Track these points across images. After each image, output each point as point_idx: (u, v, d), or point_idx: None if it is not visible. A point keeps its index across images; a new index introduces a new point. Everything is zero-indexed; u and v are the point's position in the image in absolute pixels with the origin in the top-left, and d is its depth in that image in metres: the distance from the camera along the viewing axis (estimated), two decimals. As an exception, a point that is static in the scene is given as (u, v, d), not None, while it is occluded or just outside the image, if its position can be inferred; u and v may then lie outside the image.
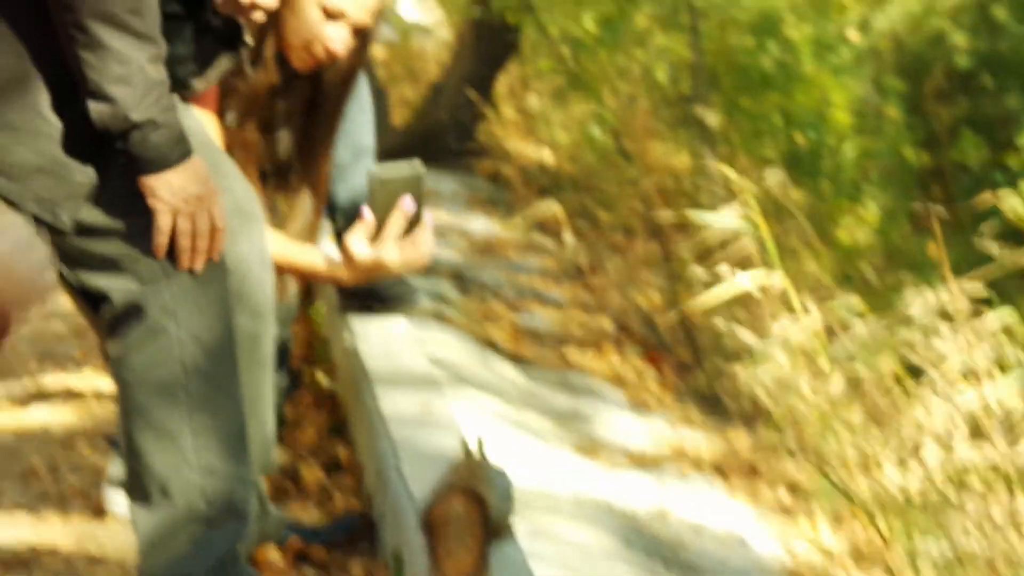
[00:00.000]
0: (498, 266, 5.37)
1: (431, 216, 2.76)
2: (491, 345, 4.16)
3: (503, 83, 8.51)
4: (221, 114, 2.87)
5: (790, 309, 3.06)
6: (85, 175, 2.19)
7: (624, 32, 5.65)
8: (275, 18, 2.86)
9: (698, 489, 3.28)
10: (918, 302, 2.77)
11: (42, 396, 4.26)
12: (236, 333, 2.39)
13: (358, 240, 2.69)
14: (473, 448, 2.24)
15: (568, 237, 5.58)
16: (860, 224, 6.05)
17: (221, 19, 2.43)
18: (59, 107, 2.15)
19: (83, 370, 4.54)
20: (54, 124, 2.16)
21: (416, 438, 2.74)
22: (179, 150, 2.17)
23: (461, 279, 5.04)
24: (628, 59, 6.85)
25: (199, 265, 2.22)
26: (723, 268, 3.04)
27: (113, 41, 2.07)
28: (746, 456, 3.51)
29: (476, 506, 2.13)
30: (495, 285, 5.06)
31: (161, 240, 2.19)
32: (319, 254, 2.79)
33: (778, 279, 2.86)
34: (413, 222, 2.70)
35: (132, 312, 2.23)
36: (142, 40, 2.10)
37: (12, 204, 2.18)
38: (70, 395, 4.26)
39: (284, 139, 3.09)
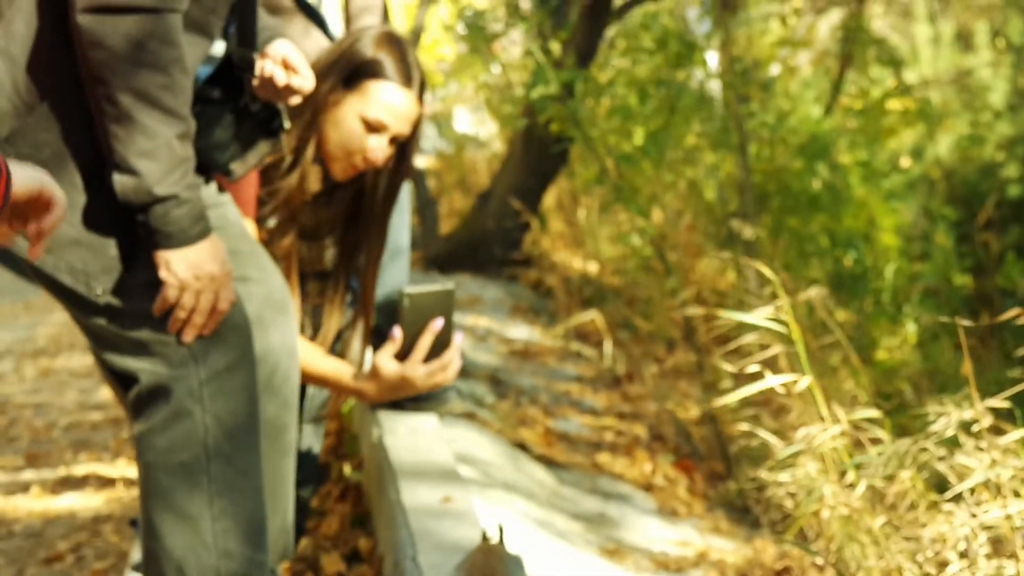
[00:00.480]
0: (536, 372, 5.37)
1: (461, 336, 2.78)
2: (523, 447, 4.15)
3: (552, 195, 8.60)
4: (259, 221, 2.91)
5: (820, 418, 3.05)
6: (121, 249, 2.23)
7: (669, 146, 5.69)
8: (315, 127, 2.93)
9: (721, 596, 3.25)
10: (941, 418, 2.75)
11: (73, 483, 4.30)
12: (262, 421, 2.41)
13: (386, 358, 2.72)
14: (493, 535, 2.24)
15: (608, 346, 5.59)
16: (901, 344, 6.02)
17: (260, 104, 2.49)
18: (97, 183, 2.20)
19: (116, 460, 4.58)
20: (92, 199, 2.21)
21: (435, 529, 2.73)
22: (199, 227, 2.21)
23: (497, 382, 5.05)
24: (675, 175, 6.92)
25: (188, 338, 2.24)
26: (752, 368, 3.04)
27: (142, 116, 2.12)
28: (772, 565, 3.47)
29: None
30: (531, 390, 5.07)
31: (159, 308, 2.21)
32: (347, 367, 2.81)
33: (806, 382, 2.85)
34: (443, 342, 2.73)
35: (158, 393, 2.26)
36: (171, 116, 2.15)
37: (45, 276, 2.23)
38: (101, 482, 4.29)
39: (328, 249, 3.14)
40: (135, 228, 2.20)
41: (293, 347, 2.62)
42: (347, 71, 2.95)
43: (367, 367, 2.98)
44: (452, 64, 9.55)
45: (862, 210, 7.59)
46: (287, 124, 2.55)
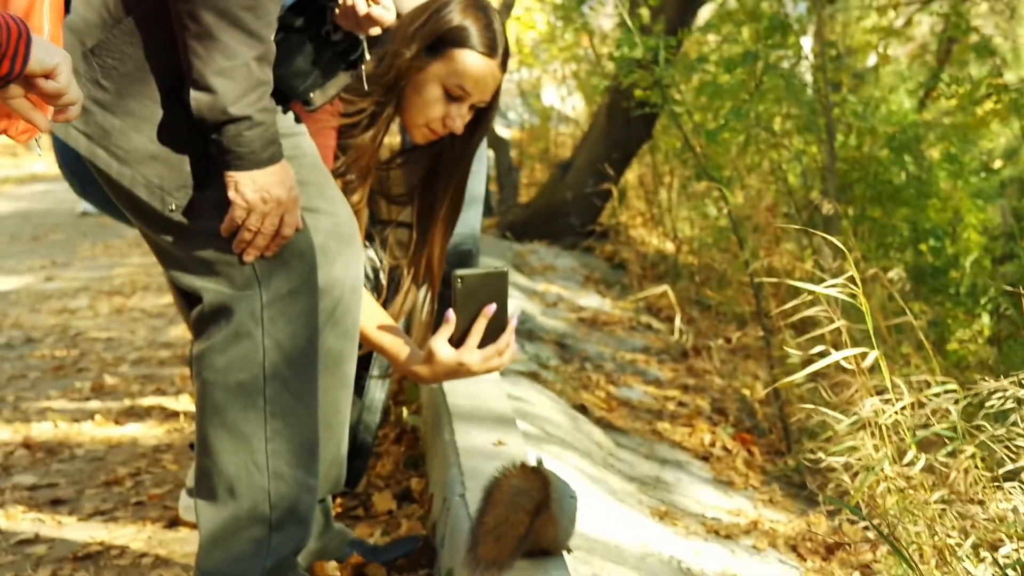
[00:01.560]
0: (603, 340, 5.36)
1: (516, 320, 2.77)
2: (583, 409, 4.14)
3: (634, 173, 8.57)
4: (335, 174, 2.92)
5: (883, 392, 3.01)
6: (196, 167, 2.24)
7: (754, 124, 5.64)
8: (396, 91, 2.92)
9: (769, 563, 3.22)
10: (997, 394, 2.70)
11: (136, 414, 4.36)
12: (321, 350, 2.42)
13: (442, 342, 2.71)
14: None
15: (677, 320, 5.56)
16: (974, 337, 5.93)
17: (341, 34, 2.49)
18: (176, 100, 2.22)
19: (180, 395, 4.63)
20: (170, 115, 2.22)
21: (486, 469, 2.72)
22: (270, 151, 2.22)
23: (563, 347, 5.05)
24: (759, 156, 6.86)
25: (250, 258, 2.25)
26: (819, 346, 2.99)
27: (223, 34, 2.12)
28: (824, 539, 3.44)
29: (540, 496, 2.15)
30: (596, 357, 5.05)
31: (226, 228, 2.23)
32: (404, 346, 2.81)
33: (873, 356, 2.80)
34: (498, 326, 2.71)
35: (220, 313, 2.27)
36: (252, 37, 2.15)
37: (123, 191, 2.25)
38: (164, 415, 4.34)
39: (404, 212, 3.15)
40: (209, 147, 2.22)
41: (357, 281, 2.62)
42: (432, 37, 2.93)
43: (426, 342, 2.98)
44: (542, 35, 9.51)
45: (947, 205, 7.48)
46: (368, 56, 2.55)
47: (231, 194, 2.21)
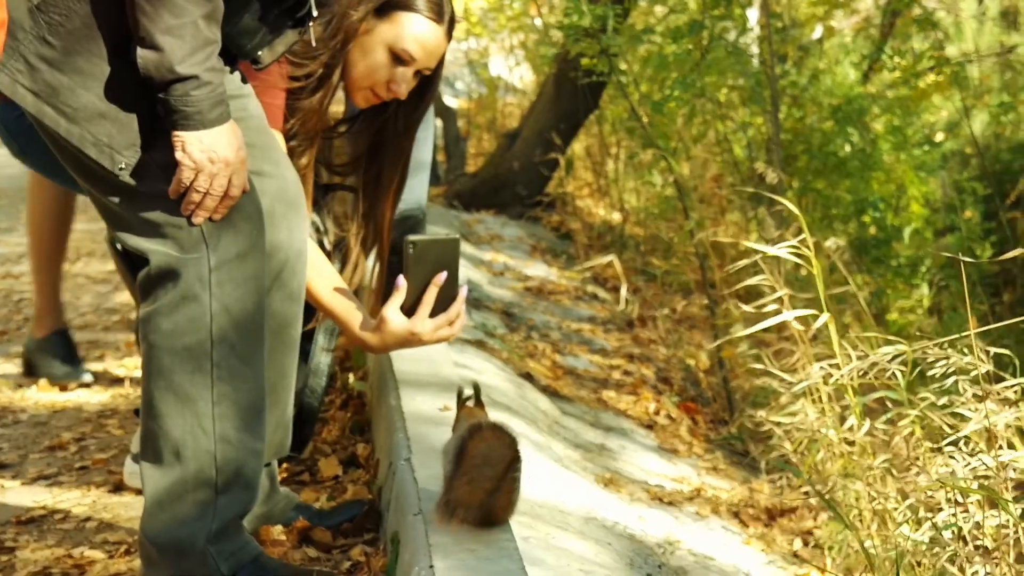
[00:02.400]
0: (549, 310, 5.38)
1: (466, 290, 2.77)
2: (529, 377, 4.16)
3: (581, 144, 8.58)
4: (287, 138, 2.91)
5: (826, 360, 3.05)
6: (145, 126, 2.23)
7: (699, 94, 5.66)
8: (343, 52, 2.91)
9: (712, 529, 3.26)
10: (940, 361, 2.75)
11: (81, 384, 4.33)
12: (268, 313, 2.42)
13: (394, 310, 2.70)
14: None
15: (624, 291, 5.59)
16: (914, 307, 6.01)
17: None
18: (124, 58, 2.20)
19: (125, 360, 4.60)
20: (118, 73, 2.21)
21: (431, 434, 2.74)
22: (217, 111, 2.20)
23: (510, 316, 5.06)
24: (704, 126, 6.89)
25: (198, 221, 2.24)
26: (764, 317, 3.03)
27: None
28: (766, 505, 3.48)
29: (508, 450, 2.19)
30: (543, 326, 5.07)
31: (174, 189, 2.21)
32: (357, 313, 2.81)
33: (823, 319, 2.84)
34: (448, 295, 2.71)
35: (167, 276, 2.26)
36: None
37: (71, 150, 2.23)
38: (109, 381, 4.31)
39: (349, 180, 3.14)
40: (157, 107, 2.20)
41: (302, 244, 2.62)
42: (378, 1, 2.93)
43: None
44: (491, 3, 9.49)
45: (890, 177, 7.55)
46: (315, 12, 2.54)
47: (178, 155, 2.20)
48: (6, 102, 3.40)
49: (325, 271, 2.86)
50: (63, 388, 4.14)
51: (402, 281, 2.70)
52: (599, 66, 4.85)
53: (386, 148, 3.08)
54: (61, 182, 3.63)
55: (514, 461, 2.27)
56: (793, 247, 2.86)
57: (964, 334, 2.67)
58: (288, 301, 2.60)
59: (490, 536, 2.21)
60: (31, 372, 4.23)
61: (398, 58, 2.89)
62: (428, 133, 3.72)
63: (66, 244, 4.31)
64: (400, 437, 2.78)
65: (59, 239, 4.25)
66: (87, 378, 4.24)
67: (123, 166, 2.21)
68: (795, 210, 3.08)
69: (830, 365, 2.94)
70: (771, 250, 2.90)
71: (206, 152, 2.19)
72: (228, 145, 2.22)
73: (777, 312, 3.17)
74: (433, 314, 2.73)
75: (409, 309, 2.71)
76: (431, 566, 2.05)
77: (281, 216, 2.54)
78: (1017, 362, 2.69)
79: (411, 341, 2.75)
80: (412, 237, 2.69)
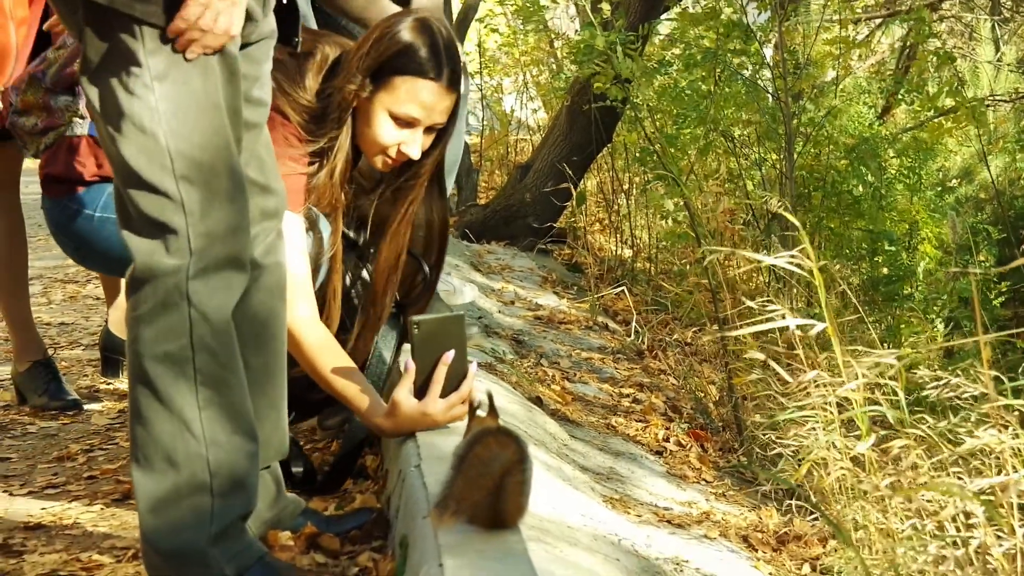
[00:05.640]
0: (559, 339, 5.38)
1: (475, 366, 2.78)
2: (538, 402, 4.16)
3: (593, 180, 8.61)
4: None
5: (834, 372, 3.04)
6: None
7: (711, 122, 5.68)
8: (343, 124, 2.94)
9: (720, 551, 3.24)
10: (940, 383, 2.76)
11: (90, 395, 4.33)
12: (246, 315, 2.43)
13: (405, 392, 2.71)
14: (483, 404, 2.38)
15: (634, 322, 5.59)
16: (926, 343, 5.99)
17: None
18: None
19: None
20: None
21: (441, 444, 2.74)
22: None
23: (520, 343, 5.06)
24: (718, 161, 6.92)
25: (192, 55, 2.23)
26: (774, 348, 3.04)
27: None
28: (775, 530, 3.47)
29: (510, 452, 2.23)
30: (552, 354, 5.07)
31: (177, 27, 2.20)
32: (366, 396, 2.81)
33: (822, 327, 2.84)
34: (458, 372, 2.72)
35: (148, 281, 2.25)
36: None
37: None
38: (117, 395, 4.32)
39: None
40: None
41: (279, 255, 2.61)
42: (374, 66, 2.93)
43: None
44: (505, 38, 9.54)
45: (904, 216, 7.56)
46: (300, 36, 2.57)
47: None
48: (56, 197, 3.44)
49: (336, 352, 2.86)
50: (54, 416, 4.11)
51: (410, 363, 2.70)
52: (612, 91, 4.87)
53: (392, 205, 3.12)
54: (119, 274, 3.57)
55: (518, 462, 2.26)
56: (793, 256, 2.86)
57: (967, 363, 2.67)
58: (271, 295, 2.57)
59: (499, 537, 2.20)
60: (22, 401, 4.20)
61: (401, 122, 2.91)
62: (460, 137, 3.63)
63: (25, 273, 4.23)
64: (410, 446, 2.78)
65: (15, 270, 4.16)
66: (76, 404, 4.17)
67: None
68: (795, 220, 3.09)
69: (831, 375, 2.94)
70: (769, 259, 2.91)
71: None
72: None
73: (786, 343, 3.17)
74: (444, 393, 2.73)
75: (419, 390, 2.71)
76: (440, 565, 2.05)
77: (265, 232, 2.54)
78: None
79: (423, 422, 2.75)
80: (416, 318, 2.70)
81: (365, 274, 3.28)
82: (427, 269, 3.29)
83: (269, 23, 2.49)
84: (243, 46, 2.38)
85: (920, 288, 6.85)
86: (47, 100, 3.25)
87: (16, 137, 3.43)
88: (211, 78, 2.25)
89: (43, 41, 3.79)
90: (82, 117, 3.20)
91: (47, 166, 3.29)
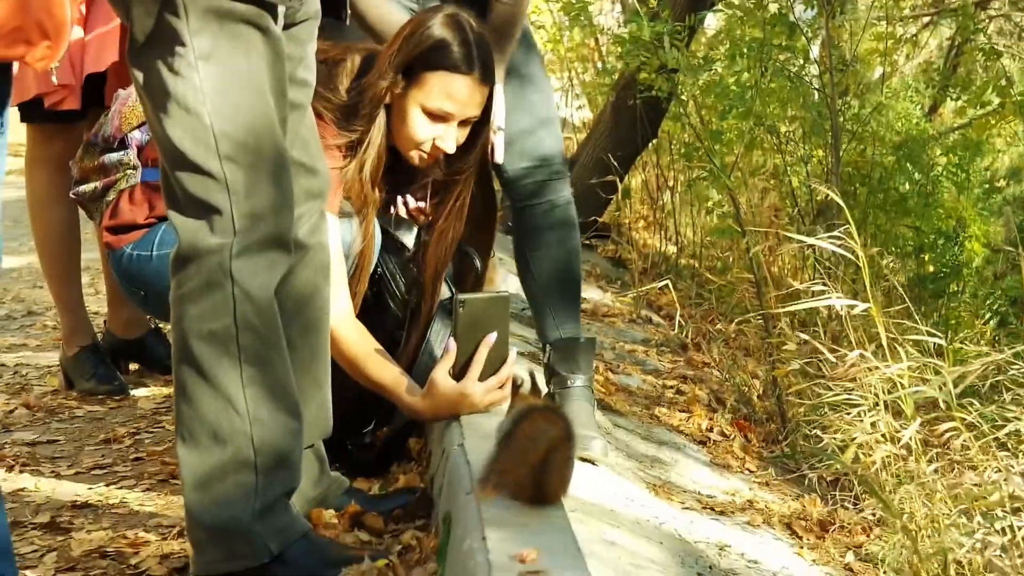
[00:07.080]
0: (603, 331, 5.37)
1: (515, 352, 2.77)
2: (582, 391, 4.15)
3: (638, 177, 8.58)
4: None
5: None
6: None
7: (758, 110, 5.65)
8: (374, 120, 2.94)
9: (763, 538, 3.23)
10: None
11: (136, 380, 4.37)
12: (289, 294, 2.44)
13: (443, 374, 2.70)
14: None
15: (678, 316, 5.57)
16: (977, 339, 5.94)
17: None
18: None
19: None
20: None
21: (484, 423, 2.75)
22: None
23: (564, 335, 5.05)
24: (764, 156, 6.87)
25: None
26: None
27: None
28: (819, 518, 3.45)
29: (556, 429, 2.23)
30: (596, 346, 5.05)
31: None
32: (403, 379, 2.81)
33: (865, 307, 2.83)
34: (499, 356, 2.71)
35: (192, 259, 2.26)
36: None
37: None
38: (164, 380, 4.36)
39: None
40: None
41: (323, 236, 2.62)
42: (406, 62, 2.94)
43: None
44: (550, 35, 9.50)
45: (952, 213, 7.49)
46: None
47: None
48: (116, 248, 3.46)
49: (367, 339, 2.86)
50: (101, 401, 4.14)
51: (452, 344, 2.69)
52: (658, 83, 4.86)
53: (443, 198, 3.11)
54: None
55: (565, 439, 2.27)
56: (837, 238, 2.85)
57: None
58: (316, 271, 2.58)
59: (542, 512, 2.21)
60: (70, 386, 4.23)
61: (434, 117, 2.91)
62: (547, 94, 3.47)
63: (79, 260, 4.29)
64: (454, 426, 2.79)
65: (70, 257, 4.23)
66: (122, 388, 4.21)
67: None
68: (841, 202, 3.07)
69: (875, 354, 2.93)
70: (813, 240, 2.90)
71: None
72: None
73: (832, 338, 3.15)
74: (482, 377, 2.72)
75: (459, 372, 2.70)
76: (483, 538, 2.06)
77: (309, 213, 2.55)
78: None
79: (462, 404, 2.74)
80: (462, 296, 2.68)
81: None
82: (478, 263, 3.29)
83: (313, 3, 2.50)
84: (287, 26, 2.39)
85: (969, 285, 6.78)
86: (102, 162, 3.29)
87: (82, 208, 3.48)
88: (255, 58, 2.26)
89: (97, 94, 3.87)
90: (134, 168, 3.23)
91: (108, 220, 3.35)
